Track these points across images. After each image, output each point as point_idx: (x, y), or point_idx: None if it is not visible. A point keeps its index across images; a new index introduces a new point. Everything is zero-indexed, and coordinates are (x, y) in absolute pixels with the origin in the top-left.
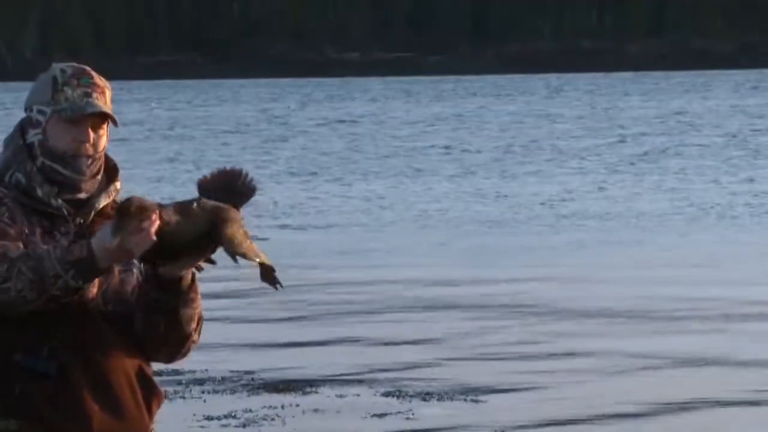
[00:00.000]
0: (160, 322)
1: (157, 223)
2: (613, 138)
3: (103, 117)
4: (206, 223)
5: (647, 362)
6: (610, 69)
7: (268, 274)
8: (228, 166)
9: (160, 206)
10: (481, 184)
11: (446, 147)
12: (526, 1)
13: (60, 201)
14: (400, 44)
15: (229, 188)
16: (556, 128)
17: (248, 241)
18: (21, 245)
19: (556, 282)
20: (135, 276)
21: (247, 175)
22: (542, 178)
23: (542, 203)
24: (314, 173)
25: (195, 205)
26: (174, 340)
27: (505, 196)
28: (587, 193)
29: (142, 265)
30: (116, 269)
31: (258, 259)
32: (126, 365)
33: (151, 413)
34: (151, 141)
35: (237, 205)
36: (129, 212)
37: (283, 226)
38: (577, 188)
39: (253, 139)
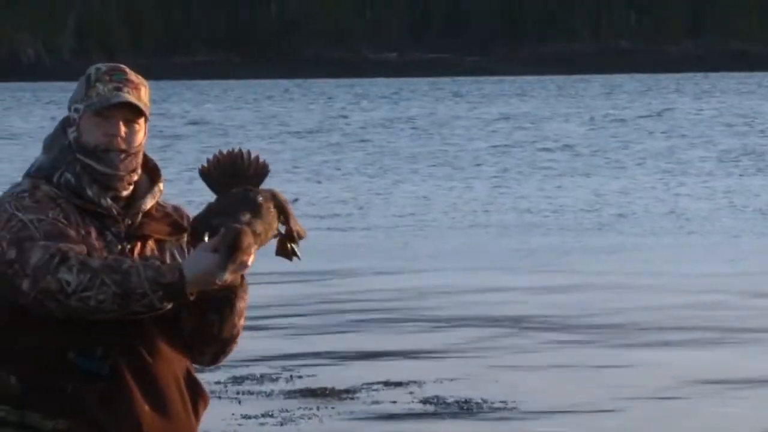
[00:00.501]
0: (214, 320)
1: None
2: (666, 140)
3: (135, 112)
4: (277, 214)
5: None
6: (647, 70)
7: (288, 245)
8: (226, 150)
9: (250, 223)
10: (549, 185)
11: (505, 146)
12: (564, 2)
13: (109, 201)
14: (437, 45)
15: (238, 172)
16: (620, 130)
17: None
18: (84, 248)
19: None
20: None
21: (251, 154)
22: (608, 179)
23: (602, 204)
24: (384, 172)
25: (259, 198)
26: (225, 337)
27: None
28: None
29: None
30: None
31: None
32: (174, 367)
33: (197, 415)
34: (205, 141)
35: (254, 187)
36: (241, 248)
37: (332, 228)
38: (634, 190)
39: (319, 139)
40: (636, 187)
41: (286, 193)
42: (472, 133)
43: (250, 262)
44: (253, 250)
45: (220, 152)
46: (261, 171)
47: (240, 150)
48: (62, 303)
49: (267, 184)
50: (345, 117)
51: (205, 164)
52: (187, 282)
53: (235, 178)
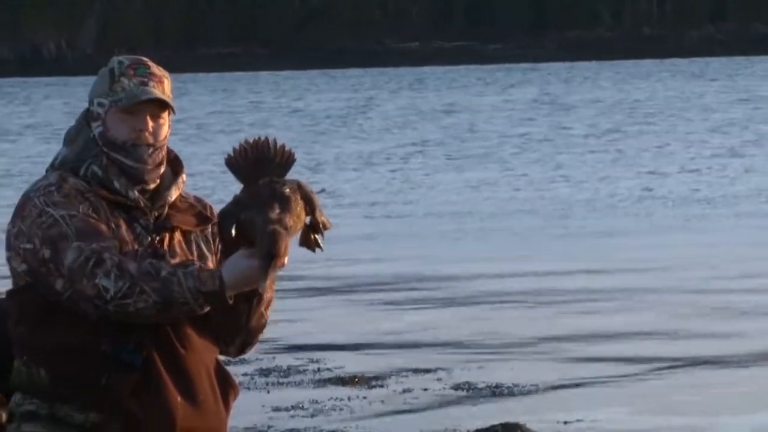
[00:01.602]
0: (243, 310)
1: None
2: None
3: (161, 105)
4: (304, 205)
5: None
6: (670, 55)
7: (312, 236)
8: (252, 139)
9: (280, 219)
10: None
11: (545, 135)
12: None
13: (136, 193)
14: (459, 33)
15: (265, 161)
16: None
17: None
18: (117, 243)
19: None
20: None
21: (276, 142)
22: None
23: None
24: (425, 160)
25: (287, 191)
26: (252, 327)
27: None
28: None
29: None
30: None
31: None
32: (205, 358)
33: (228, 406)
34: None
35: (280, 177)
36: (279, 255)
37: (367, 216)
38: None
39: (352, 128)
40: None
41: (312, 183)
42: (514, 121)
43: (286, 262)
44: (289, 251)
45: (247, 141)
46: (287, 160)
47: (266, 139)
48: (100, 308)
49: (293, 174)
50: (378, 105)
51: (232, 154)
52: (227, 288)
53: (262, 168)
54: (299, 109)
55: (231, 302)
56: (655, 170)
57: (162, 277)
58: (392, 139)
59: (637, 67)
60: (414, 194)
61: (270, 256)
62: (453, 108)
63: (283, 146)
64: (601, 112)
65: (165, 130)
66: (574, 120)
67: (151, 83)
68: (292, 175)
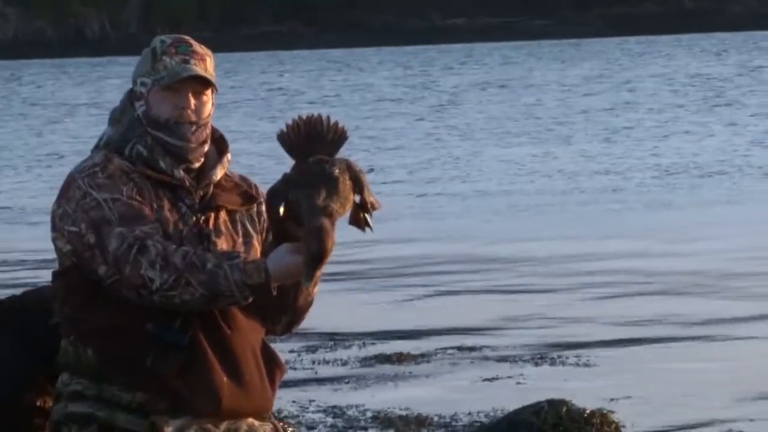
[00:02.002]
0: (290, 289)
1: None
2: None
3: (203, 83)
4: (352, 185)
5: None
6: (712, 29)
7: (362, 215)
8: (305, 115)
9: (326, 206)
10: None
11: (610, 109)
12: None
13: (182, 173)
14: (505, 9)
15: (317, 137)
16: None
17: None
18: (159, 227)
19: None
20: (256, 248)
21: (330, 119)
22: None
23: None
24: (482, 136)
25: (335, 171)
26: (299, 306)
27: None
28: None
29: (270, 235)
30: (238, 241)
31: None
32: (250, 338)
33: (274, 385)
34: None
35: (330, 155)
36: (325, 256)
37: (420, 195)
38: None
39: (419, 107)
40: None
41: (362, 162)
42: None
43: (333, 247)
44: (335, 241)
45: (300, 117)
46: (339, 137)
47: (319, 115)
48: (144, 297)
49: (343, 153)
50: (436, 83)
51: (284, 129)
52: (273, 280)
53: (314, 144)
54: (352, 86)
55: (275, 293)
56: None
57: (208, 270)
58: (451, 115)
59: (687, 42)
60: (472, 170)
61: (315, 257)
62: (509, 83)
63: (336, 123)
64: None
65: (208, 108)
66: (647, 96)
67: (193, 61)
68: (345, 152)
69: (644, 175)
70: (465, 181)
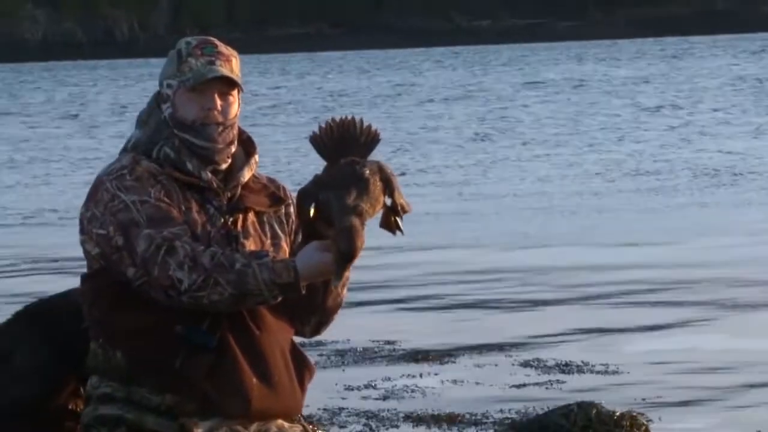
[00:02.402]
0: (319, 289)
1: None
2: None
3: (228, 84)
4: (383, 188)
5: None
6: (741, 30)
7: (393, 218)
8: (338, 117)
9: (356, 205)
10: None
11: (658, 107)
12: None
13: (209, 174)
14: (530, 11)
15: (349, 140)
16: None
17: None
18: (188, 228)
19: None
20: (284, 249)
21: (363, 122)
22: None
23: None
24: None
25: (366, 172)
26: (329, 306)
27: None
28: None
29: (299, 236)
30: (267, 242)
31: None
32: (280, 339)
33: (303, 387)
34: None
35: (363, 157)
36: (355, 254)
37: (457, 196)
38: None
39: (471, 106)
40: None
41: (394, 165)
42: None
43: (362, 247)
44: (364, 241)
45: (333, 119)
46: (372, 139)
47: (353, 118)
48: (172, 298)
49: (375, 155)
50: (481, 83)
51: (317, 131)
52: (302, 279)
53: (346, 146)
54: (379, 88)
55: (304, 292)
56: None
57: (236, 270)
58: (480, 115)
59: (722, 43)
60: (509, 173)
61: (344, 255)
62: (547, 84)
63: (369, 126)
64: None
65: (234, 109)
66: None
67: (219, 62)
68: (376, 155)
69: (693, 175)
70: (518, 183)
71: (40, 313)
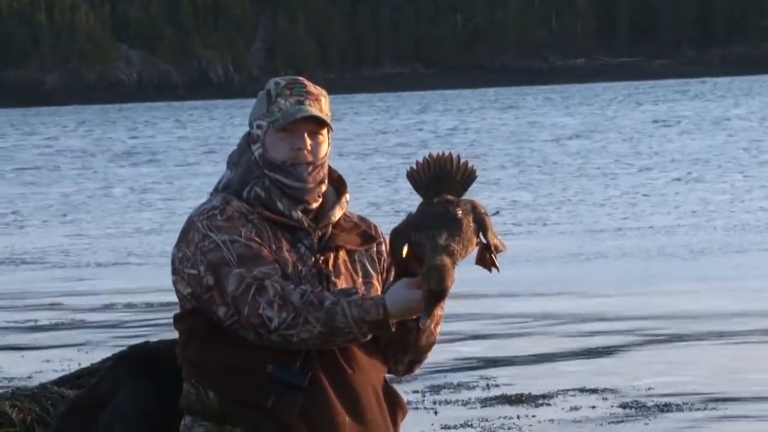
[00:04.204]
0: (412, 328)
1: None
2: None
3: (318, 123)
4: (476, 228)
5: None
6: None
7: (489, 256)
8: (435, 153)
9: (446, 245)
10: None
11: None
12: (751, 2)
13: (300, 213)
14: (623, 49)
15: (445, 177)
16: None
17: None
18: (278, 268)
19: None
20: (377, 288)
21: (460, 159)
22: None
23: None
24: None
25: (459, 213)
26: (422, 345)
27: None
28: None
29: (391, 275)
30: (358, 281)
31: (505, 248)
32: (372, 378)
33: (396, 426)
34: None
35: (458, 194)
36: (444, 295)
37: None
38: None
39: (594, 143)
40: None
41: (489, 204)
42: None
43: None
44: (455, 280)
45: (430, 155)
46: (468, 177)
47: (450, 155)
48: (262, 336)
49: (471, 193)
50: (614, 118)
51: (414, 167)
52: (391, 317)
53: (442, 183)
54: (476, 127)
55: (394, 329)
56: None
57: (326, 307)
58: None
59: None
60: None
61: (435, 295)
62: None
63: (465, 163)
64: None
65: (324, 148)
66: None
67: (308, 102)
68: (473, 193)
69: None
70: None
71: (143, 355)
